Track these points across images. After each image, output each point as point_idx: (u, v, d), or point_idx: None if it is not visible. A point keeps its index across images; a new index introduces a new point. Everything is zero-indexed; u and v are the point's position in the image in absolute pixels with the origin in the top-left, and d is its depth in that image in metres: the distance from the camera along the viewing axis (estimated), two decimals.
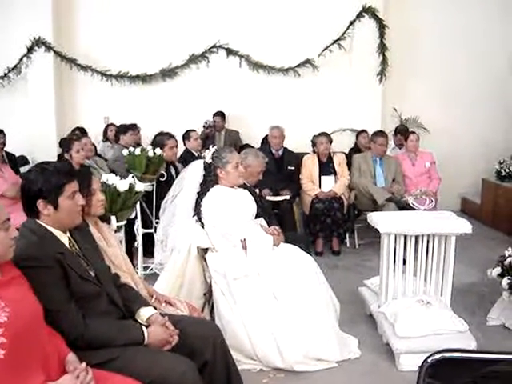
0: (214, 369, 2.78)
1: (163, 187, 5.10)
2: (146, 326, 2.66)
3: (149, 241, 5.24)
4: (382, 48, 8.08)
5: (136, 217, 5.07)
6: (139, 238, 5.13)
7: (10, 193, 5.36)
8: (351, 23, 8.04)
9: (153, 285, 3.75)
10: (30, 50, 7.80)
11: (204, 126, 7.80)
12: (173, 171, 5.86)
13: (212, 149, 4.18)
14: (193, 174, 4.19)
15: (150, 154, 5.20)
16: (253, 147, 6.42)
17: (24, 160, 7.49)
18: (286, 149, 6.95)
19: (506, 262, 4.32)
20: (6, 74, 7.92)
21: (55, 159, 6.24)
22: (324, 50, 8.00)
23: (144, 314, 2.75)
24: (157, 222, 4.61)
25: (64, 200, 2.49)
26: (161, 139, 5.84)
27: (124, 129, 7.07)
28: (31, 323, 2.14)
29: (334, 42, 8.02)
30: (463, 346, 3.64)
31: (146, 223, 5.33)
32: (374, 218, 4.27)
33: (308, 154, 6.99)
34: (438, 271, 4.28)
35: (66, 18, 8.00)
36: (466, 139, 8.50)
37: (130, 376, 2.35)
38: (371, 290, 4.68)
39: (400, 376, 3.71)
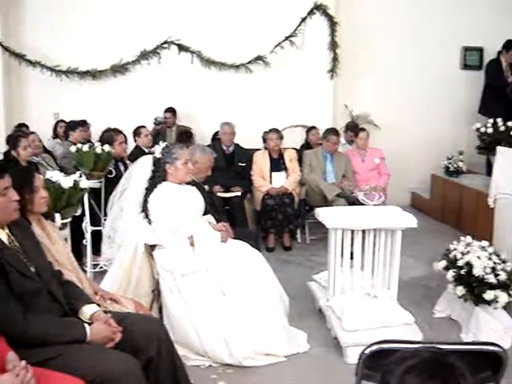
0: (160, 365, 2.77)
1: (112, 184, 5.02)
2: (89, 324, 2.63)
3: (98, 238, 5.17)
4: (333, 45, 8.13)
5: (84, 214, 5.00)
6: (88, 236, 5.06)
7: None
8: (303, 20, 8.06)
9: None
10: None
11: (154, 123, 7.76)
12: (122, 168, 5.78)
13: (162, 144, 4.16)
14: (141, 169, 4.16)
15: (98, 150, 5.13)
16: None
17: None
18: (237, 145, 6.95)
19: (451, 256, 4.40)
20: None
21: (1, 157, 6.09)
22: (275, 46, 8.00)
23: (87, 311, 2.72)
24: (105, 219, 4.56)
25: None
26: (109, 135, 5.77)
27: (73, 125, 6.95)
28: None
29: (286, 38, 8.03)
30: (409, 338, 3.71)
31: (95, 221, 5.26)
32: (322, 214, 4.32)
33: (259, 150, 7.01)
34: (385, 265, 4.35)
35: (14, 12, 7.82)
36: (415, 135, 8.62)
37: (73, 374, 2.33)
38: (320, 285, 4.72)
39: (348, 369, 3.72)
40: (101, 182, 5.25)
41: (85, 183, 4.17)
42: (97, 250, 5.14)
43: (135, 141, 6.73)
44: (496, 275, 4.10)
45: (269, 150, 6.79)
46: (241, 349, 3.68)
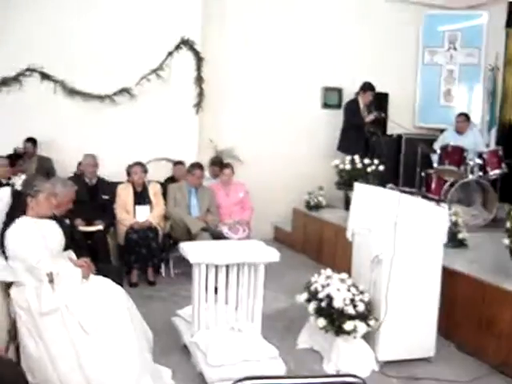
0: None
1: None
2: None
3: None
4: (199, 80, 8.23)
5: None
6: None
7: None
8: (169, 54, 8.10)
9: None
10: None
11: (13, 153, 7.40)
12: None
13: (22, 176, 3.98)
14: None
15: None
16: None
17: None
18: (99, 178, 6.80)
19: (312, 288, 4.55)
20: None
21: None
22: (141, 79, 7.94)
23: None
24: None
25: None
26: None
27: None
28: None
29: (153, 71, 8.00)
30: (273, 372, 3.76)
31: None
32: (185, 249, 4.32)
33: (123, 182, 6.91)
34: (249, 298, 4.41)
35: None
36: (278, 171, 8.90)
37: None
38: (185, 320, 4.68)
39: None
40: None
41: None
42: None
43: None
44: (355, 306, 4.29)
45: (133, 182, 6.70)
46: None
